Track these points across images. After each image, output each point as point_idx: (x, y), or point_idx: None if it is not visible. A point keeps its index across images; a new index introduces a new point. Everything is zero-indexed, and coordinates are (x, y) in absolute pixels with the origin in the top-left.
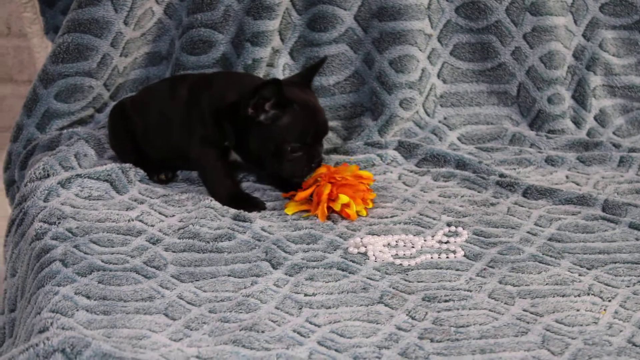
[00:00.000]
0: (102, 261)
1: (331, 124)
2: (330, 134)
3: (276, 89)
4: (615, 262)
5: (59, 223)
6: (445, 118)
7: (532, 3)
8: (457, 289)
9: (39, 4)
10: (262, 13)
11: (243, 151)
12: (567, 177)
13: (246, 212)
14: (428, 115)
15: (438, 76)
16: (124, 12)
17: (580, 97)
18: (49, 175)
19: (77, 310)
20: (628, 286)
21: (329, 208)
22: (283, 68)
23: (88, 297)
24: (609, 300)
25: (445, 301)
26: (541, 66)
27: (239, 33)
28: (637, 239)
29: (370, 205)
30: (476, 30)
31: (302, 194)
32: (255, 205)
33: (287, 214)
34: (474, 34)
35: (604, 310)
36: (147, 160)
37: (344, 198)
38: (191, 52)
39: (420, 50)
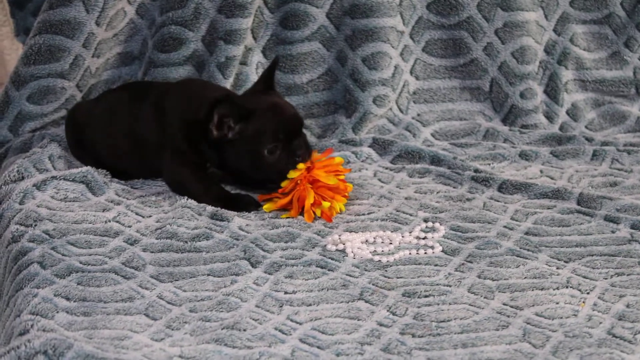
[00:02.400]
0: (81, 262)
1: (305, 122)
2: (304, 132)
3: (231, 104)
4: (592, 255)
5: (36, 225)
6: (418, 114)
7: None
8: (437, 284)
9: (9, 6)
10: (234, 11)
11: (226, 169)
12: (541, 171)
13: (223, 211)
14: (401, 112)
15: (411, 73)
16: (95, 13)
17: (552, 91)
18: (23, 178)
19: (57, 312)
20: (606, 278)
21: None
22: (256, 66)
23: (68, 299)
24: (588, 293)
25: (425, 296)
26: (513, 61)
27: (211, 31)
28: (612, 232)
29: (345, 200)
30: (448, 26)
31: (283, 201)
32: (248, 203)
33: (265, 212)
34: (446, 30)
35: (583, 302)
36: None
37: (325, 204)
38: (161, 49)
39: (393, 47)
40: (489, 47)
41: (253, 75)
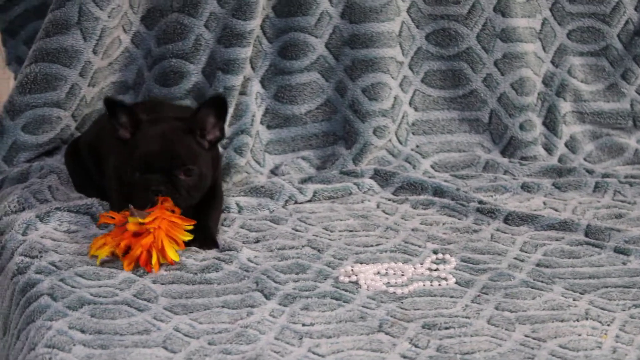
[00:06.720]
0: (91, 294)
1: (303, 153)
2: (302, 163)
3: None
4: (606, 287)
5: (41, 257)
6: (417, 146)
7: (503, 30)
8: (455, 316)
9: (0, 34)
10: (232, 41)
11: None
12: (544, 203)
13: (230, 242)
14: (401, 143)
15: (410, 104)
16: (93, 41)
17: (550, 123)
18: (24, 209)
19: (74, 344)
20: (624, 310)
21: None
22: (255, 96)
23: (83, 332)
24: (608, 325)
25: (446, 328)
26: (512, 93)
27: (210, 62)
28: (624, 264)
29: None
30: (447, 57)
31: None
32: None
33: (272, 244)
34: (445, 61)
35: (605, 334)
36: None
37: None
38: (163, 83)
39: (393, 77)
40: (488, 78)
41: (252, 105)
